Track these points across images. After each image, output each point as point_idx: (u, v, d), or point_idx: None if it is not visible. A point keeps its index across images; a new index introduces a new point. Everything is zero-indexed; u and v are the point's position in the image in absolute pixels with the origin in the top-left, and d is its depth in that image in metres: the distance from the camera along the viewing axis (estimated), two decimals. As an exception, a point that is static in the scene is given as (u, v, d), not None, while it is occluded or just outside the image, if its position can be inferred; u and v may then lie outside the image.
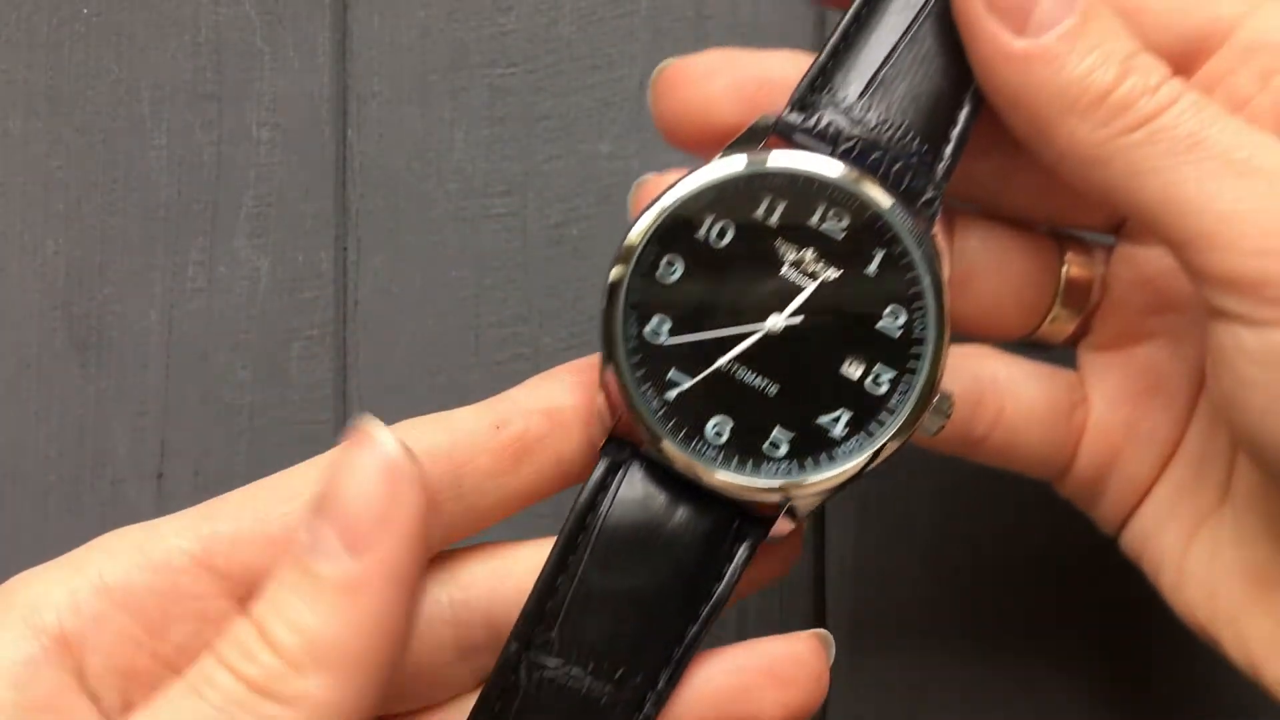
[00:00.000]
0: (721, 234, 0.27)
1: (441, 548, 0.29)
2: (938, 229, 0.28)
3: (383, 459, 0.25)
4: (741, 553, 0.28)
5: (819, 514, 0.38)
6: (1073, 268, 0.32)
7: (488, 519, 0.29)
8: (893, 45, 0.28)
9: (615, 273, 0.27)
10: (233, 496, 0.28)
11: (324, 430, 0.39)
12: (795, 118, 0.28)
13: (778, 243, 0.27)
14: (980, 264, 0.32)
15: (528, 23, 0.39)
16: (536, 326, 0.39)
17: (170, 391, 0.39)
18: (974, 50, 0.27)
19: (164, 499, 0.39)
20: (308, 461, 0.28)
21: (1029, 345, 0.33)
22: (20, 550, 0.39)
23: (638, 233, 0.27)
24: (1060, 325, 0.32)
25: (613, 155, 0.39)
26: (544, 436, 0.28)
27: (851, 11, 0.28)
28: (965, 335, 0.32)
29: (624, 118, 0.39)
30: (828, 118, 0.28)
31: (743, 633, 0.38)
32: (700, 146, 0.30)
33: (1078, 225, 0.33)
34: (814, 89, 0.28)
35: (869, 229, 0.27)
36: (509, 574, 0.29)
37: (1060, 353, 0.33)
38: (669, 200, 0.27)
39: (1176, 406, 0.31)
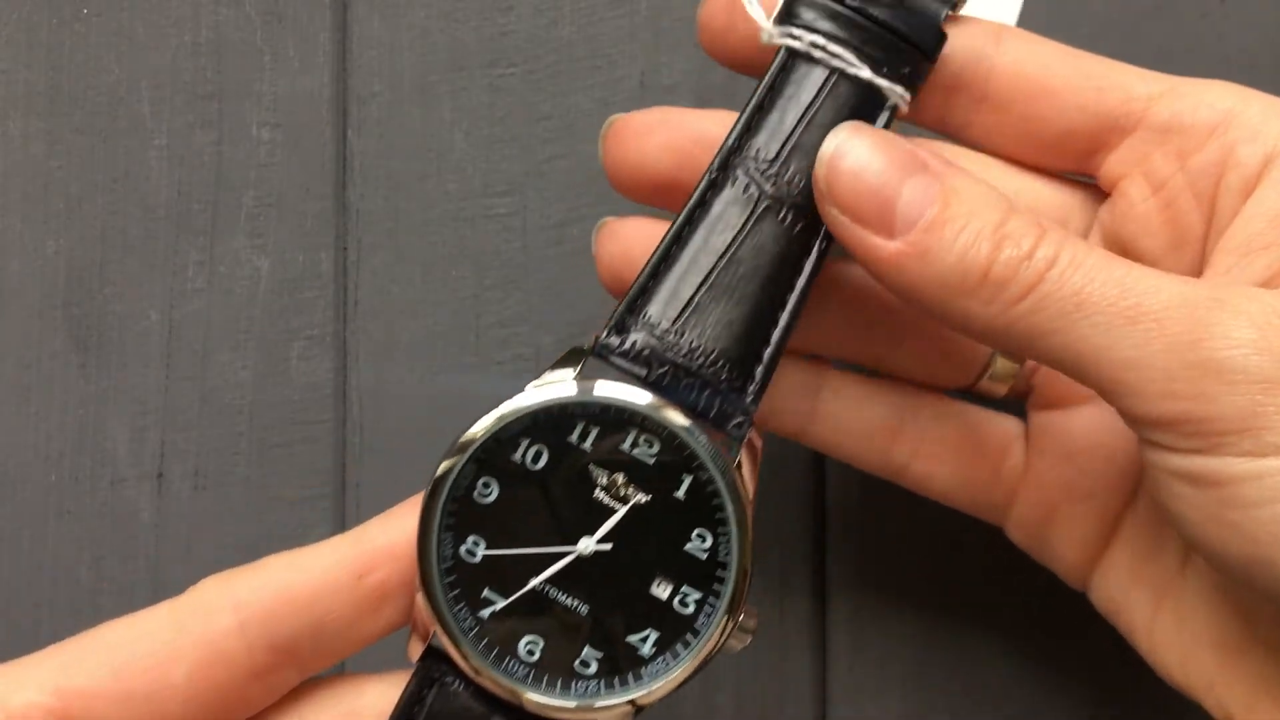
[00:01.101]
0: (536, 458, 0.28)
1: (293, 686, 0.29)
2: (752, 439, 0.29)
3: None
4: None
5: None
6: None
7: (345, 655, 0.29)
8: (709, 269, 0.29)
9: (430, 493, 0.28)
10: (93, 640, 0.28)
11: (324, 430, 0.39)
12: (613, 340, 0.29)
13: (591, 467, 0.28)
14: (911, 320, 0.32)
15: (528, 23, 0.39)
16: (536, 326, 0.39)
17: (170, 391, 0.39)
18: (857, 258, 0.28)
19: (164, 499, 0.39)
20: (164, 605, 0.28)
21: (982, 398, 0.34)
22: (20, 550, 0.39)
23: (454, 456, 0.28)
24: (1001, 380, 0.33)
25: (613, 155, 0.39)
26: (407, 580, 0.28)
27: (672, 231, 0.29)
28: (910, 381, 0.33)
29: (624, 118, 0.39)
30: (641, 343, 0.29)
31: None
32: (642, 195, 0.32)
33: None
34: (631, 311, 0.29)
35: (677, 456, 0.28)
36: (357, 718, 0.29)
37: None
38: (485, 424, 0.28)
39: (1117, 469, 0.32)
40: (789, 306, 0.29)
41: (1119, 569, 0.31)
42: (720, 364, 0.29)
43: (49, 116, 0.40)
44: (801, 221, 0.29)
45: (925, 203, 0.27)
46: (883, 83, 0.29)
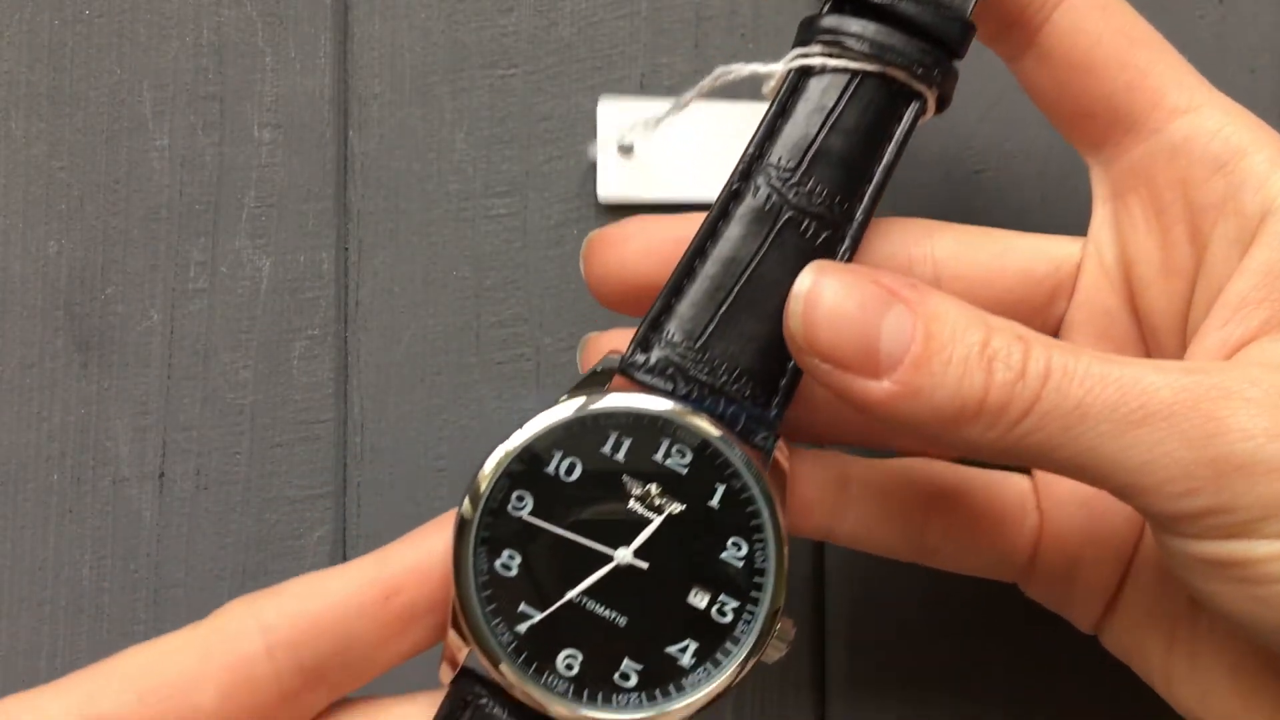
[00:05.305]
0: (570, 470, 0.28)
1: (322, 708, 0.29)
2: (778, 457, 0.29)
3: None
4: None
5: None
6: None
7: (373, 675, 0.29)
8: (731, 285, 0.29)
9: (465, 509, 0.28)
10: (118, 665, 0.28)
11: (325, 430, 0.39)
12: (639, 357, 0.29)
13: (624, 478, 0.28)
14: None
15: (528, 24, 0.40)
16: (536, 326, 0.39)
17: (172, 391, 0.39)
18: (846, 401, 0.27)
19: (165, 499, 0.39)
20: (189, 629, 0.28)
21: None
22: (22, 550, 0.39)
23: (488, 470, 0.28)
24: None
25: (613, 156, 0.39)
26: (434, 600, 0.28)
27: (693, 244, 0.29)
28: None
29: (624, 118, 0.39)
30: (665, 360, 0.29)
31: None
32: (623, 303, 0.31)
33: None
34: (654, 328, 0.29)
35: (710, 464, 0.28)
36: None
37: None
38: (519, 438, 0.28)
39: (1125, 510, 0.31)
40: None
41: (1130, 608, 0.31)
42: (744, 380, 0.29)
43: (51, 117, 0.40)
44: (825, 232, 0.29)
45: (907, 340, 0.26)
46: (905, 78, 0.29)
